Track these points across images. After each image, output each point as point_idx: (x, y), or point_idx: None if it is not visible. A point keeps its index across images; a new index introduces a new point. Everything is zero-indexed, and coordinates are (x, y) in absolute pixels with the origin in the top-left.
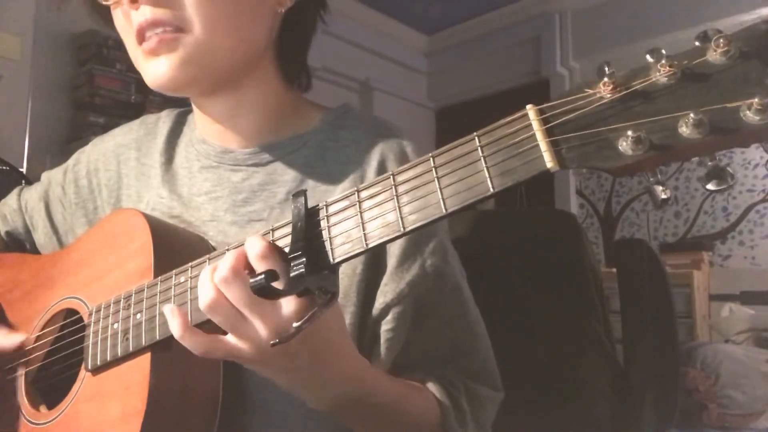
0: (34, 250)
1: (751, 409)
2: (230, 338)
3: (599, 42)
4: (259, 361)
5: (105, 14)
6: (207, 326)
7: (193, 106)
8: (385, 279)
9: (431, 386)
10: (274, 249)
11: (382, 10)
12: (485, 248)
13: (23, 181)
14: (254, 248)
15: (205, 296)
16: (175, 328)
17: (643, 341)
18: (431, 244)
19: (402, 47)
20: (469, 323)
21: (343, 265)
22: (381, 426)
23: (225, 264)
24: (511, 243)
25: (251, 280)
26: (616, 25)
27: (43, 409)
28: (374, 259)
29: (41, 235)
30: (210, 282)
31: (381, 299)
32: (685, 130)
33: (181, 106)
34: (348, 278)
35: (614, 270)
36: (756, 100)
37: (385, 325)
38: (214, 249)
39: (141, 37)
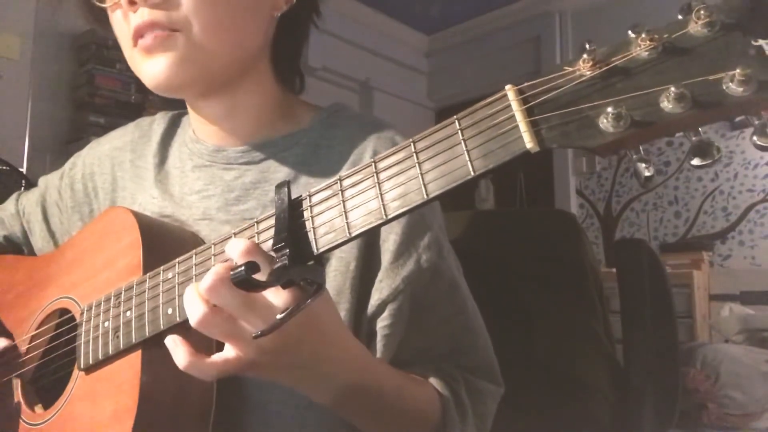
0: (32, 254)
1: (751, 409)
2: (228, 351)
3: (599, 42)
4: (262, 363)
5: (101, 16)
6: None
7: (189, 108)
8: (380, 275)
9: (431, 379)
10: (256, 246)
11: (382, 10)
12: (485, 248)
13: (23, 181)
14: (236, 248)
15: (194, 313)
16: (181, 359)
17: (643, 341)
18: (426, 239)
19: (402, 47)
20: (468, 319)
21: (336, 262)
22: (383, 417)
23: (210, 273)
24: (511, 243)
25: (232, 273)
26: (616, 25)
27: (38, 409)
28: (368, 255)
29: (38, 239)
30: (197, 296)
31: (376, 296)
32: (667, 104)
33: (180, 106)
34: (341, 275)
35: (614, 270)
36: (738, 71)
37: (382, 322)
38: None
39: (137, 38)
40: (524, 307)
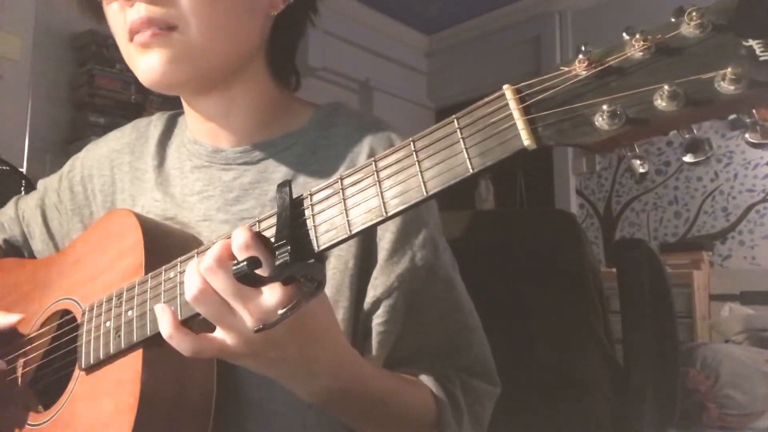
0: (32, 258)
1: (751, 409)
2: (218, 334)
3: (599, 42)
4: (248, 354)
5: (97, 11)
6: (196, 323)
7: (185, 106)
8: (375, 272)
9: (426, 380)
10: (257, 239)
11: (382, 10)
12: (485, 248)
13: (23, 182)
14: (238, 238)
15: (191, 287)
16: (165, 326)
17: (643, 341)
18: (420, 237)
19: (402, 47)
20: (464, 317)
21: (335, 260)
22: (376, 420)
23: (210, 254)
24: (511, 243)
25: (234, 267)
26: (616, 25)
27: (39, 409)
28: (365, 253)
29: (38, 242)
30: (196, 272)
31: (371, 293)
32: (660, 102)
33: (180, 106)
34: (340, 273)
35: (614, 270)
36: (729, 70)
37: (377, 319)
38: None
39: (133, 34)
40: (524, 307)
